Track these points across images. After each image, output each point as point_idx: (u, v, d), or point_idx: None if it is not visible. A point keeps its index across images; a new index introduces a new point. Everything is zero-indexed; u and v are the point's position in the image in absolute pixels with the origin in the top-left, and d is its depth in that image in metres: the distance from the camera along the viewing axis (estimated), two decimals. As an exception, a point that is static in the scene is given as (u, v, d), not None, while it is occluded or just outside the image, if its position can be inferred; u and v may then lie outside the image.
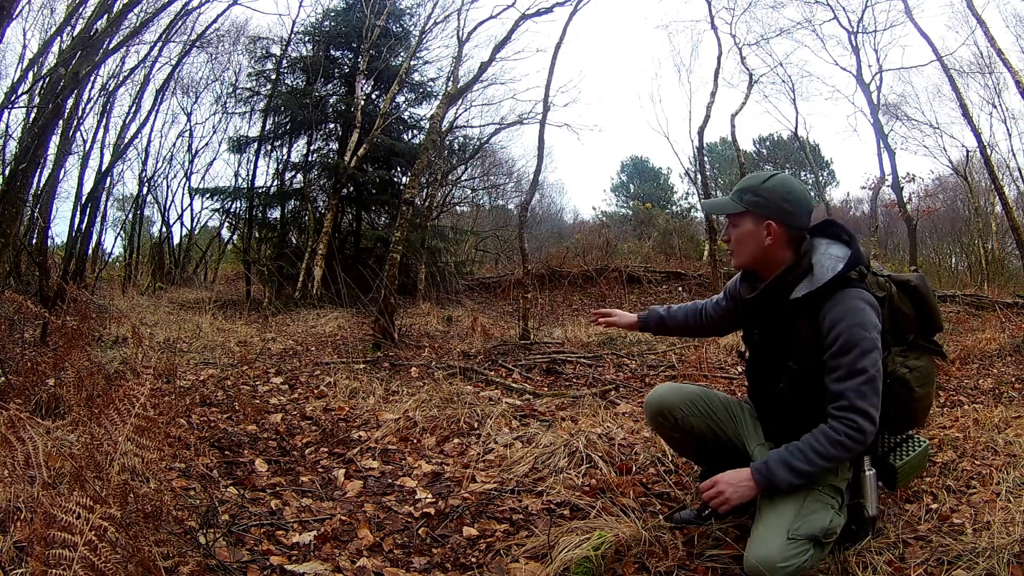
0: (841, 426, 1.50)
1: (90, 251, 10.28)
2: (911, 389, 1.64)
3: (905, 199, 11.15)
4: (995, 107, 12.46)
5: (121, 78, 10.08)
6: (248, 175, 10.79)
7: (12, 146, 9.08)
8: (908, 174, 13.57)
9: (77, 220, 8.13)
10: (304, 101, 9.96)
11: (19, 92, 6.68)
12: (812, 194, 1.80)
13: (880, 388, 1.52)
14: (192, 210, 17.63)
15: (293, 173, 10.78)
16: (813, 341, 1.58)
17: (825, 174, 24.38)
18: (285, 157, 10.88)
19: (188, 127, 13.35)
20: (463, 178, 13.95)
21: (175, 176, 14.05)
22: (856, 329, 1.51)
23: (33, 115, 6.00)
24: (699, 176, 10.74)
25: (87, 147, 10.42)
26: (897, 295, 1.64)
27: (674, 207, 25.65)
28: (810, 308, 1.59)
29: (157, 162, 13.23)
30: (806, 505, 1.54)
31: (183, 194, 14.06)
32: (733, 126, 9.63)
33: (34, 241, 8.71)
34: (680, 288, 10.74)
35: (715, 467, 1.95)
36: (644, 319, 2.16)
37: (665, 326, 2.15)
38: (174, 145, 13.56)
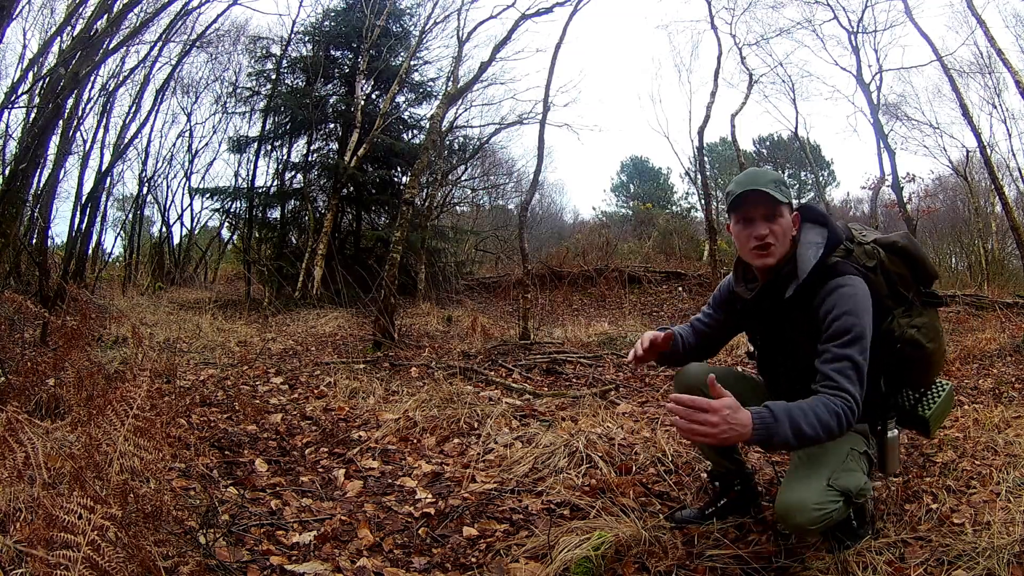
0: (839, 400, 1.46)
1: (90, 251, 10.29)
2: (922, 347, 1.66)
3: (905, 199, 11.13)
4: (995, 107, 12.47)
5: (121, 78, 10.10)
6: (248, 175, 10.82)
7: (12, 146, 9.09)
8: (908, 174, 13.57)
9: (77, 220, 8.15)
10: (304, 101, 9.97)
11: (19, 92, 6.68)
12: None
13: (864, 377, 1.50)
14: (192, 210, 17.69)
15: (293, 173, 10.80)
16: (812, 335, 1.58)
17: (825, 174, 24.38)
18: (285, 157, 10.90)
19: (188, 127, 13.39)
20: (463, 178, 13.96)
21: (175, 176, 14.09)
22: (847, 317, 1.51)
23: (33, 115, 6.01)
24: (699, 176, 10.75)
25: (87, 147, 10.44)
26: (887, 258, 1.65)
27: (674, 207, 25.66)
28: (803, 302, 1.60)
29: (157, 162, 13.27)
30: (846, 462, 1.56)
31: (183, 194, 14.10)
32: (733, 126, 9.63)
33: (34, 241, 8.71)
34: (680, 288, 10.74)
35: (733, 457, 1.96)
36: (674, 345, 1.86)
37: (688, 358, 1.93)
38: (174, 145, 13.60)
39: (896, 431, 1.72)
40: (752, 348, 1.86)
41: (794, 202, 1.68)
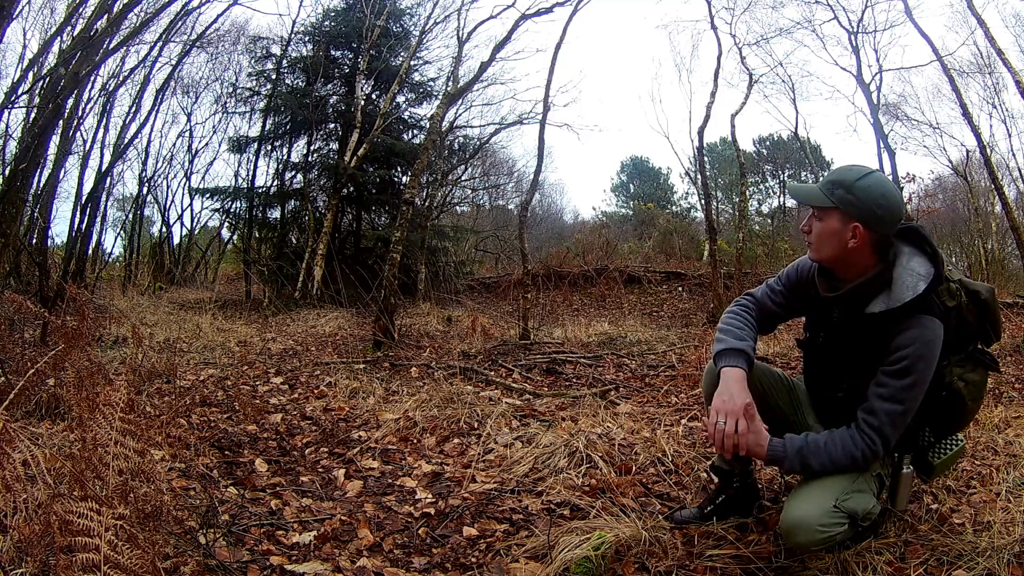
0: (863, 442, 1.52)
1: (90, 251, 10.27)
2: (964, 402, 1.64)
3: (905, 199, 11.10)
4: (995, 107, 12.47)
5: (121, 78, 10.08)
6: (248, 175, 10.83)
7: (12, 146, 9.08)
8: (908, 174, 13.52)
9: (77, 220, 8.14)
10: (304, 101, 9.97)
11: (19, 92, 6.69)
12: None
13: (908, 421, 1.55)
14: (192, 210, 17.57)
15: (293, 173, 10.80)
16: (875, 355, 1.55)
17: (825, 174, 24.34)
18: (285, 157, 10.91)
19: (188, 127, 13.35)
20: (463, 178, 13.96)
21: (175, 176, 14.05)
22: (919, 362, 1.49)
23: (33, 115, 6.01)
24: (699, 176, 10.74)
25: (87, 147, 10.43)
26: (966, 305, 1.59)
27: (674, 207, 25.69)
28: (883, 325, 1.54)
29: (157, 162, 13.24)
30: (857, 483, 1.55)
31: (183, 194, 14.08)
32: (733, 126, 9.61)
33: (34, 241, 8.71)
34: (680, 288, 10.74)
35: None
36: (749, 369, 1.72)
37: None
38: (174, 145, 13.56)
39: (910, 468, 1.71)
40: (806, 335, 1.80)
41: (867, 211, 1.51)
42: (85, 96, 8.85)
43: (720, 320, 1.82)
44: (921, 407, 1.57)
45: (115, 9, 5.59)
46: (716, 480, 1.99)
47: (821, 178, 1.63)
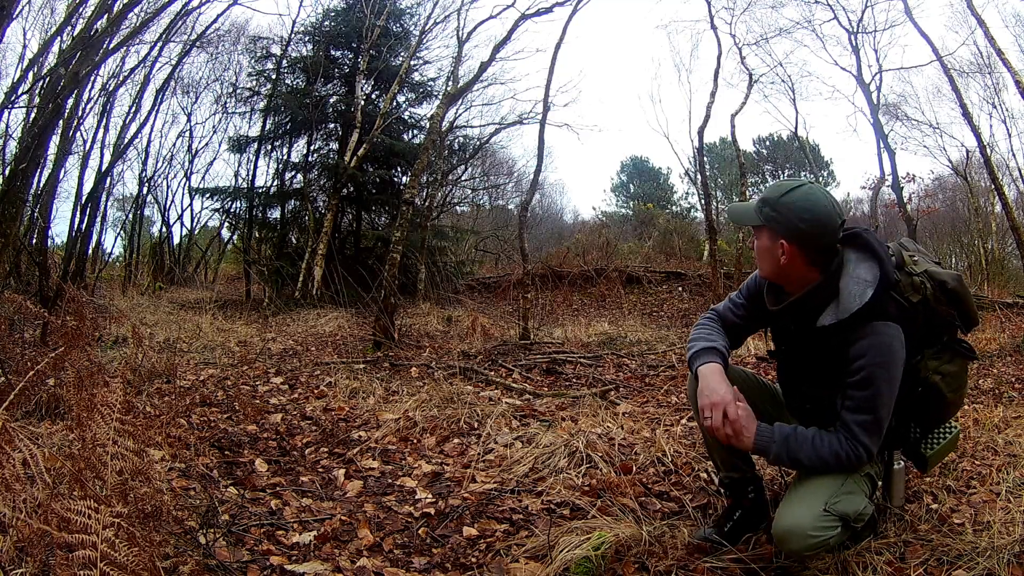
0: (849, 447, 1.51)
1: (90, 251, 10.29)
2: (943, 395, 1.63)
3: (905, 199, 11.13)
4: (995, 107, 12.46)
5: (121, 78, 10.09)
6: (248, 175, 10.83)
7: (12, 146, 9.08)
8: (908, 174, 13.55)
9: (77, 220, 8.17)
10: (304, 101, 9.97)
11: (19, 92, 6.69)
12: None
13: (884, 428, 1.53)
14: (192, 210, 17.57)
15: (293, 173, 10.81)
16: (838, 365, 1.55)
17: (825, 174, 24.36)
18: (285, 157, 10.91)
19: (188, 127, 13.35)
20: (463, 178, 13.97)
21: (175, 176, 14.05)
22: (878, 370, 1.48)
23: (33, 115, 6.01)
24: (699, 176, 10.75)
25: (87, 147, 10.44)
26: (933, 296, 1.57)
27: (674, 207, 25.70)
28: (837, 337, 1.53)
29: (157, 162, 13.25)
30: (846, 484, 1.54)
31: (183, 194, 14.08)
32: (733, 126, 9.62)
33: (34, 241, 8.71)
34: (680, 288, 10.75)
35: (748, 459, 1.90)
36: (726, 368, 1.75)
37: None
38: (174, 145, 13.57)
39: (902, 463, 1.71)
40: (773, 349, 1.82)
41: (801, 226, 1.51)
42: (85, 96, 8.87)
43: (689, 338, 1.84)
44: (900, 405, 1.56)
45: (115, 9, 5.59)
46: (728, 495, 1.92)
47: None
